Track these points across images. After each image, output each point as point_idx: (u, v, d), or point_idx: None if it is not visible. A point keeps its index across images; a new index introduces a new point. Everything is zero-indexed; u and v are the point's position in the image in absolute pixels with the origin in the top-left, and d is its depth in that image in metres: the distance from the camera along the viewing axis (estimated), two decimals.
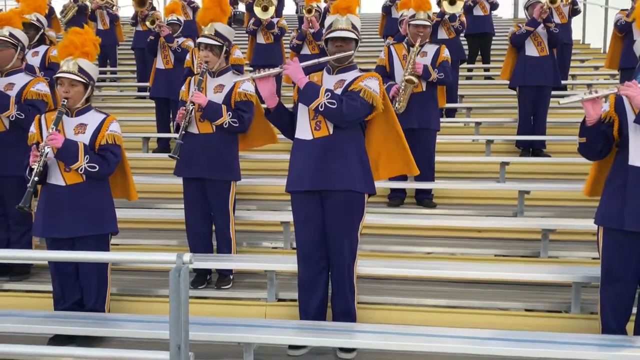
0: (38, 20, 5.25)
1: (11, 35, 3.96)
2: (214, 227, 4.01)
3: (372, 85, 3.07)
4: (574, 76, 8.75)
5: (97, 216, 3.20)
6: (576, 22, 10.50)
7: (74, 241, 3.16)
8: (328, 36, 3.14)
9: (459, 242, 4.54)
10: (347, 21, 3.12)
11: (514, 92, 6.38)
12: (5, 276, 4.04)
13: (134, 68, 9.73)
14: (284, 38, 7.65)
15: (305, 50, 7.08)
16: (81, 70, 3.13)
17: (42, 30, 5.31)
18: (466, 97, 7.98)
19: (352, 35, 3.11)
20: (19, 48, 3.99)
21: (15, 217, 3.92)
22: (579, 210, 4.73)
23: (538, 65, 5.98)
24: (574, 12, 8.03)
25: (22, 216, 3.91)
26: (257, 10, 7.35)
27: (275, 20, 7.51)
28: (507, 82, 6.38)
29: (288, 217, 4.14)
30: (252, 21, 7.55)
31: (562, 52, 7.51)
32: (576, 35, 10.33)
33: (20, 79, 3.94)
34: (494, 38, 9.60)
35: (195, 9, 10.26)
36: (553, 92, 6.36)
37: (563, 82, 7.66)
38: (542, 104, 6.10)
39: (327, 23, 3.21)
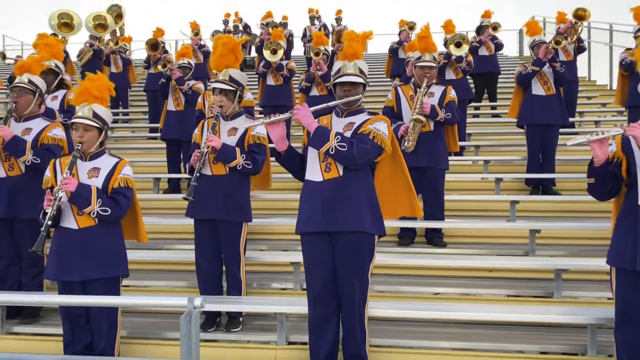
0: (57, 66, 5.42)
1: (30, 82, 4.08)
2: (224, 268, 4.01)
3: (381, 127, 3.12)
4: (581, 113, 8.80)
5: (108, 259, 3.22)
6: (582, 59, 10.64)
7: (85, 284, 3.17)
8: (336, 81, 3.22)
9: (471, 282, 4.48)
10: (354, 66, 3.20)
11: (522, 130, 6.42)
12: (15, 318, 4.04)
13: (146, 109, 9.93)
14: (293, 79, 7.81)
15: (314, 92, 7.21)
16: (95, 116, 3.22)
17: (60, 76, 5.47)
18: (474, 135, 8.03)
19: (359, 79, 3.18)
20: (37, 94, 4.10)
21: (27, 259, 3.96)
22: (592, 249, 4.69)
23: (545, 104, 6.04)
24: (580, 49, 8.14)
25: (34, 259, 3.95)
26: (267, 53, 7.53)
27: (284, 62, 7.68)
28: (515, 120, 6.44)
29: (298, 257, 4.13)
30: (262, 63, 7.73)
31: (568, 89, 7.58)
32: (582, 72, 10.46)
33: (37, 124, 4.04)
34: (500, 76, 9.74)
35: (205, 53, 10.56)
36: (561, 130, 6.40)
37: (570, 119, 7.71)
38: (551, 142, 6.13)
39: (335, 68, 3.30)
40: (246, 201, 3.93)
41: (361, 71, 3.22)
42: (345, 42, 3.37)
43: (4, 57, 9.60)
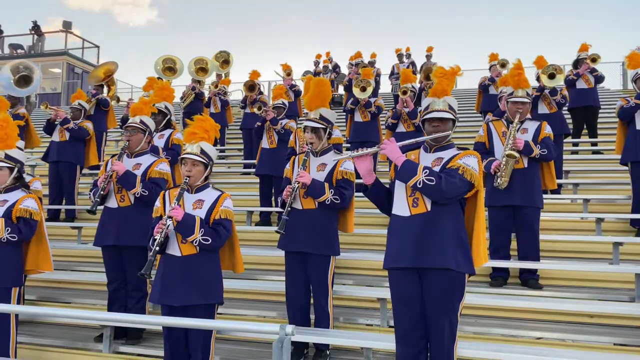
0: (166, 107, 5.92)
1: (141, 122, 4.50)
2: (312, 301, 4.08)
3: (471, 163, 3.07)
4: None
5: (208, 286, 3.41)
6: None
7: (186, 309, 3.37)
8: (425, 117, 3.24)
9: (570, 328, 4.22)
10: (443, 102, 3.22)
11: (626, 168, 6.04)
12: (121, 339, 4.37)
13: (241, 147, 10.47)
14: (380, 116, 7.92)
15: (401, 129, 7.28)
16: (202, 152, 3.50)
17: (168, 116, 5.95)
18: (572, 172, 7.65)
19: (448, 115, 3.19)
20: (147, 133, 4.51)
21: (133, 283, 4.29)
22: None
23: None
24: None
25: (139, 284, 4.27)
26: (356, 90, 7.74)
27: (372, 99, 7.83)
28: (618, 156, 6.07)
29: (384, 293, 4.13)
30: (350, 100, 7.94)
31: None
32: None
33: (146, 160, 4.43)
34: (601, 111, 9.24)
35: (296, 92, 11.01)
36: None
37: None
38: None
39: (424, 105, 3.32)
40: (334, 235, 4.02)
41: (450, 107, 3.22)
42: (434, 78, 3.40)
43: (118, 100, 10.59)
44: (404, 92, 7.33)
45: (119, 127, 9.76)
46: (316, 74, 14.58)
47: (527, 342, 4.09)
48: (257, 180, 7.34)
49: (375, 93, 11.37)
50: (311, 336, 3.88)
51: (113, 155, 4.49)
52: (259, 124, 7.20)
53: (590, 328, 4.20)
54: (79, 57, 24.11)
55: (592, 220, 5.84)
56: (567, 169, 7.59)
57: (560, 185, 7.08)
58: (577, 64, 9.03)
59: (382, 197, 3.30)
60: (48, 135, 7.75)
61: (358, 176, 3.45)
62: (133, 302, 4.31)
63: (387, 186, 3.33)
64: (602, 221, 5.72)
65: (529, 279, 4.90)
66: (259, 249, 5.84)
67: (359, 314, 4.67)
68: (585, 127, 9.03)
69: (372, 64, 14.34)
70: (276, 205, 6.73)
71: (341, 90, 14.69)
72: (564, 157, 7.76)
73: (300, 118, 10.64)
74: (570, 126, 8.67)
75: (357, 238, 5.78)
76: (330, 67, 15.91)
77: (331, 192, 3.88)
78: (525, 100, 4.98)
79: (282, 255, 4.13)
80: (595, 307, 4.27)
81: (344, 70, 15.35)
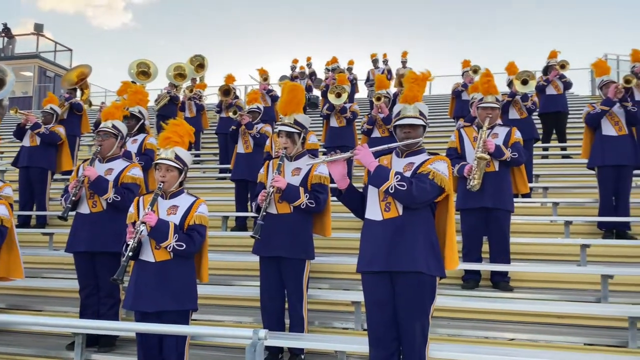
0: (140, 112, 5.88)
1: (114, 126, 4.46)
2: (287, 305, 4.10)
3: (441, 168, 3.14)
4: None
5: (182, 292, 3.40)
6: None
7: (160, 315, 3.35)
8: (397, 123, 3.30)
9: (541, 329, 4.31)
10: (414, 109, 3.28)
11: (593, 172, 6.21)
12: (94, 346, 4.30)
13: (216, 151, 10.43)
14: (355, 121, 8.00)
15: (376, 134, 7.36)
16: (177, 157, 3.49)
17: (142, 121, 5.91)
18: (542, 176, 7.82)
19: (419, 121, 3.25)
20: (119, 137, 4.47)
21: (105, 290, 4.24)
22: None
23: (616, 144, 5.86)
24: None
25: (112, 290, 4.23)
26: (331, 97, 7.80)
27: (347, 105, 7.90)
28: (586, 160, 6.25)
29: (359, 296, 4.16)
30: (326, 106, 8.00)
31: None
32: None
33: (118, 165, 4.39)
34: (570, 116, 9.49)
35: (273, 97, 11.03)
36: (636, 172, 6.13)
37: None
38: (623, 184, 5.90)
39: (395, 111, 3.38)
40: (309, 239, 4.05)
41: (421, 113, 3.29)
42: (405, 84, 3.46)
43: (91, 104, 10.45)
44: (378, 99, 7.42)
45: (92, 131, 9.62)
46: (292, 78, 14.62)
47: (500, 343, 4.17)
48: (233, 185, 7.33)
49: (351, 98, 11.48)
50: (285, 340, 3.90)
51: (85, 160, 4.44)
52: (233, 128, 7.20)
53: (561, 329, 4.30)
54: (51, 61, 23.71)
55: (561, 223, 5.98)
56: (537, 173, 7.76)
57: (530, 189, 7.24)
58: (546, 70, 9.26)
59: (356, 201, 3.34)
60: (18, 140, 7.61)
61: (333, 180, 3.49)
62: (106, 308, 4.27)
63: (361, 190, 3.38)
64: (571, 224, 5.87)
65: (500, 281, 5.00)
66: (235, 255, 5.83)
67: (334, 318, 4.70)
68: (554, 132, 9.26)
69: (349, 70, 14.46)
70: (252, 210, 6.73)
71: (317, 93, 14.75)
72: (534, 161, 7.95)
73: (276, 123, 10.65)
74: (540, 131, 8.87)
75: (332, 242, 5.81)
76: (307, 73, 15.97)
77: (306, 196, 3.91)
78: (495, 105, 5.10)
79: (257, 259, 4.13)
80: (563, 308, 4.39)
81: (321, 75, 15.44)
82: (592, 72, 15.12)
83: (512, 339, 4.21)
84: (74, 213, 4.36)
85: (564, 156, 9.03)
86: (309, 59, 16.51)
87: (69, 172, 8.10)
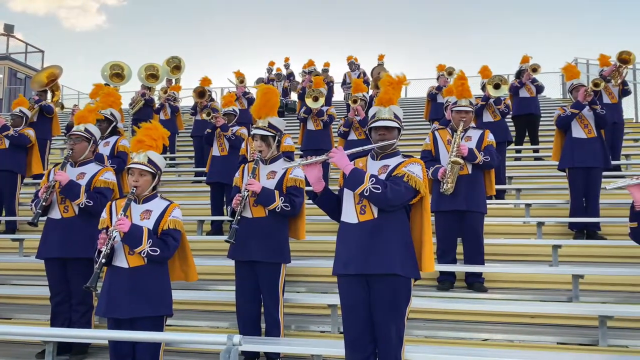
0: (112, 114, 5.79)
1: (86, 130, 4.38)
2: (263, 309, 4.07)
3: (415, 170, 3.16)
4: (627, 156, 8.60)
5: (156, 298, 3.35)
6: (629, 101, 10.47)
7: (133, 322, 3.30)
8: (372, 125, 3.31)
9: (515, 329, 4.38)
10: (389, 111, 3.30)
11: (564, 174, 6.33)
12: (65, 354, 4.21)
13: (192, 154, 10.32)
14: (332, 124, 8.01)
15: (352, 136, 7.38)
16: (150, 162, 3.45)
17: (114, 123, 5.81)
18: (515, 178, 7.95)
19: (394, 124, 3.27)
20: (91, 141, 4.39)
21: (78, 296, 4.15)
22: (638, 295, 4.51)
23: (586, 147, 5.99)
24: (624, 92, 8.06)
25: (84, 297, 4.14)
26: (309, 100, 7.80)
27: (324, 108, 7.91)
28: (557, 163, 6.36)
29: (335, 299, 4.15)
30: (303, 109, 7.99)
31: (612, 132, 7.48)
32: (629, 114, 10.26)
33: (90, 169, 4.31)
34: (542, 119, 9.67)
35: (250, 100, 10.98)
36: (606, 173, 6.28)
37: (616, 162, 7.55)
38: (593, 185, 6.02)
39: (370, 113, 3.40)
40: (285, 243, 4.03)
41: (396, 116, 3.31)
42: (381, 86, 3.48)
43: (62, 107, 10.24)
44: (355, 101, 7.45)
45: (63, 134, 9.44)
46: (269, 81, 14.57)
47: (475, 344, 4.21)
48: (209, 188, 7.26)
49: (328, 101, 11.49)
50: (260, 345, 3.87)
51: (56, 164, 4.34)
52: (209, 130, 7.14)
53: (534, 328, 4.36)
54: (22, 62, 23.18)
55: (533, 224, 6.08)
56: (510, 175, 7.88)
57: (504, 191, 7.36)
58: (519, 74, 9.44)
59: (331, 204, 3.34)
60: None
61: (308, 183, 3.48)
62: (78, 315, 4.18)
63: (337, 193, 3.38)
64: (543, 225, 5.97)
65: (475, 282, 5.06)
66: (211, 259, 5.77)
67: (311, 321, 4.69)
68: (527, 134, 9.42)
69: (325, 72, 14.48)
70: (228, 214, 6.68)
71: (294, 97, 14.75)
72: (507, 163, 8.06)
73: (252, 126, 10.61)
74: (513, 133, 9.02)
75: (307, 245, 5.79)
76: (284, 74, 15.94)
77: (281, 199, 3.89)
78: (469, 109, 5.17)
79: (232, 264, 4.10)
80: (536, 308, 4.46)
81: (298, 78, 15.43)
82: (562, 76, 15.46)
83: (487, 340, 4.26)
84: (44, 218, 4.26)
85: (537, 158, 9.19)
86: (287, 59, 16.47)
87: (40, 176, 7.95)
